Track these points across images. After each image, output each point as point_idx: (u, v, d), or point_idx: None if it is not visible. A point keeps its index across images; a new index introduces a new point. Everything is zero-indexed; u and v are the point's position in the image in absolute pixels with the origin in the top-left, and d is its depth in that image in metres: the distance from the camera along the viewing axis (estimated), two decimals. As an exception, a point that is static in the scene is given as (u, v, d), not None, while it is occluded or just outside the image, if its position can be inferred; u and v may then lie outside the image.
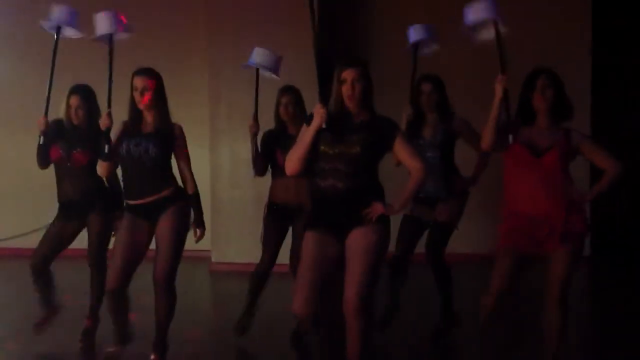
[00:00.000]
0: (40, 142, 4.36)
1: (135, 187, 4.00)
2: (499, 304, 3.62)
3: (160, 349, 4.05)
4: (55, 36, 4.43)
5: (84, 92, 4.40)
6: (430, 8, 6.88)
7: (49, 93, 4.40)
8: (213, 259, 7.00)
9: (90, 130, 4.35)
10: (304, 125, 3.49)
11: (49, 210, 4.59)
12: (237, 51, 6.24)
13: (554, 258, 3.55)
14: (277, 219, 4.59)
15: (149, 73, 3.96)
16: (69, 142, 4.39)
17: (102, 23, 4.12)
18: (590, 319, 5.25)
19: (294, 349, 4.43)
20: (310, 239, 3.45)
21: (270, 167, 4.65)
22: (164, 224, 3.95)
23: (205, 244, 4.44)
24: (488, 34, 3.85)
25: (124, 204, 4.11)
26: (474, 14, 3.79)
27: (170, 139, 4.01)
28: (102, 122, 3.97)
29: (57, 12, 4.43)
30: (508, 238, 3.63)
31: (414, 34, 4.62)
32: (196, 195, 4.11)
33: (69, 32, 4.50)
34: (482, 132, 3.67)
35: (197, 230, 4.07)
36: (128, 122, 4.00)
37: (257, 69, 4.75)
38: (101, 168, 4.05)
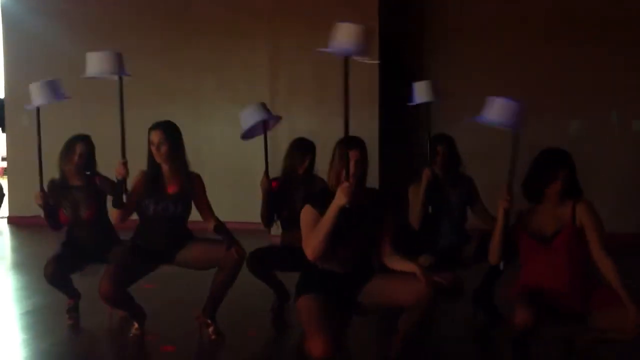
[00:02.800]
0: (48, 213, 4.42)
1: (152, 239, 4.11)
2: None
3: (211, 313, 4.13)
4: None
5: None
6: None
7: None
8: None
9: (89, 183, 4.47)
10: (308, 206, 3.34)
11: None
12: (298, 27, 6.54)
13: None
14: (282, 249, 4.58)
15: (164, 127, 4.04)
16: (72, 203, 4.46)
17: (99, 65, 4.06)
18: None
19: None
20: (310, 301, 3.32)
21: (278, 218, 4.66)
22: (184, 248, 4.13)
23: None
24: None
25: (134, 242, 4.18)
26: (496, 113, 3.49)
27: (192, 195, 4.14)
28: (118, 172, 3.97)
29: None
30: (524, 289, 3.48)
31: (419, 95, 4.63)
32: (220, 224, 4.16)
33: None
34: (490, 247, 3.57)
35: (234, 251, 4.03)
36: (148, 174, 4.06)
37: (265, 130, 4.71)
38: (115, 215, 4.03)
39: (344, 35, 3.34)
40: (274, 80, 7.75)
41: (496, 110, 3.53)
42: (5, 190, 9.50)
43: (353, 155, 3.33)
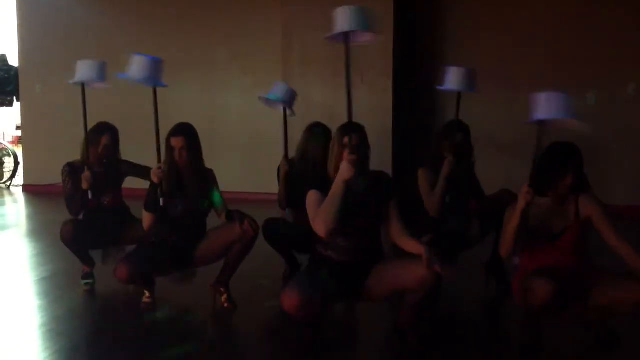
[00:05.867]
0: (88, 196, 4.44)
1: (174, 236, 4.11)
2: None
3: (224, 284, 4.17)
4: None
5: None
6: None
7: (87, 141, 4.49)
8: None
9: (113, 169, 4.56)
10: (312, 191, 3.36)
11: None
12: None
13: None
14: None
15: (185, 133, 4.05)
16: (96, 188, 4.49)
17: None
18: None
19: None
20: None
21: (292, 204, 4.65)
22: (201, 242, 4.14)
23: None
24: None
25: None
26: (455, 80, 3.48)
27: (210, 193, 4.15)
28: (154, 176, 4.01)
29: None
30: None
31: (452, 82, 4.59)
32: (229, 212, 4.16)
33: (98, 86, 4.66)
34: (501, 239, 3.51)
35: (248, 226, 4.01)
36: (170, 176, 4.05)
37: (284, 108, 4.76)
38: (147, 220, 4.07)
39: (343, 19, 3.48)
40: (288, 51, 7.72)
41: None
42: (20, 159, 9.63)
43: (352, 140, 3.31)
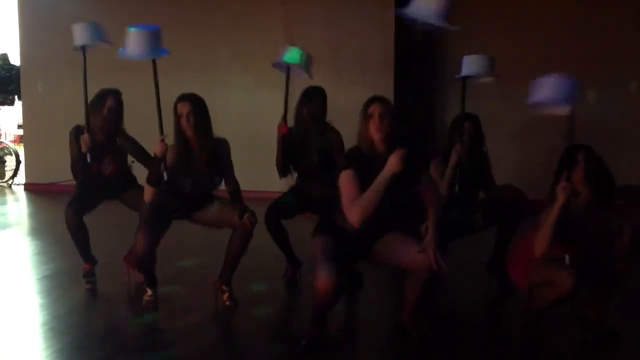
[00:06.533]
0: (87, 160, 4.41)
1: (180, 205, 4.09)
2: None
3: (226, 279, 4.16)
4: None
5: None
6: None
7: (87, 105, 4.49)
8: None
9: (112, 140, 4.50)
10: (345, 171, 3.30)
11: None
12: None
13: None
14: (297, 196, 4.64)
15: (191, 98, 4.00)
16: (97, 157, 4.47)
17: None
18: None
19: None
20: (325, 238, 3.41)
21: (294, 170, 4.69)
22: (203, 207, 4.11)
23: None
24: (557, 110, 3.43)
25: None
26: (546, 90, 3.36)
27: (221, 165, 4.10)
28: (156, 148, 3.93)
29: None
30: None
31: (468, 67, 4.63)
32: (236, 189, 4.15)
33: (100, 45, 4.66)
34: (537, 237, 3.37)
35: (247, 220, 3.98)
36: (178, 148, 3.98)
37: (288, 70, 4.76)
38: (149, 193, 4.00)
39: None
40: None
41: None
42: (22, 158, 9.63)
43: (374, 109, 3.33)
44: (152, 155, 4.03)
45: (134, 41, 4.00)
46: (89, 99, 4.53)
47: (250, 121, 8.19)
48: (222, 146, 4.13)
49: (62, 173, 7.42)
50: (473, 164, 4.56)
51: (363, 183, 3.26)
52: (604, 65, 7.43)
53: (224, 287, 4.18)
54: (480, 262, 4.70)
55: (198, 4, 8.49)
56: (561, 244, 3.36)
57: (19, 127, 11.50)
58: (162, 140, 3.93)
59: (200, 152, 4.01)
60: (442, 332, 3.81)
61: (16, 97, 10.12)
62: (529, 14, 7.71)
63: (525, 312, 3.57)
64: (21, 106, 9.72)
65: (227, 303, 4.15)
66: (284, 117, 4.66)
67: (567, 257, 3.33)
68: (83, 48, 4.60)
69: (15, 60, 9.92)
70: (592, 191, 3.40)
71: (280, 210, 4.59)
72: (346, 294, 4.31)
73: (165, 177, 3.93)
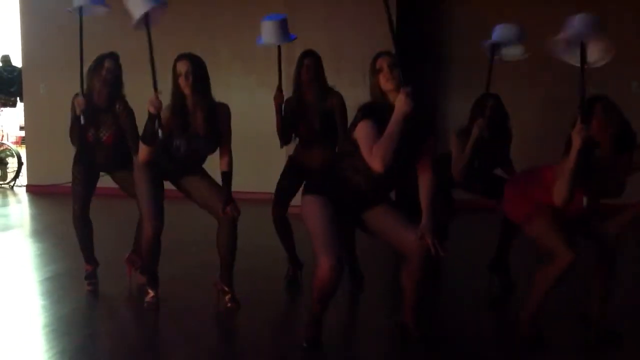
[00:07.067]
0: (80, 122, 4.31)
1: (172, 167, 4.06)
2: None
3: (227, 280, 4.16)
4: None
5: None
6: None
7: (82, 70, 4.43)
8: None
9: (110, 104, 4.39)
10: (363, 121, 3.26)
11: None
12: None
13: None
14: (294, 173, 4.60)
15: (191, 57, 3.94)
16: (95, 124, 4.39)
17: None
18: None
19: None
20: (318, 207, 3.35)
21: (296, 136, 4.68)
22: (193, 175, 4.08)
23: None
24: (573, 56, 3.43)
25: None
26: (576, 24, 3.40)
27: (219, 131, 4.02)
28: (151, 105, 3.80)
29: None
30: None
31: (498, 33, 4.64)
32: (228, 172, 4.08)
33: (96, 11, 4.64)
34: (555, 187, 3.27)
35: (227, 207, 3.97)
36: (174, 107, 3.92)
37: (279, 46, 4.78)
38: (144, 152, 3.92)
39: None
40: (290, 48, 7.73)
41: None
42: (24, 159, 9.66)
43: (382, 62, 3.36)
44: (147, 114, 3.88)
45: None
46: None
47: (251, 122, 8.19)
48: (222, 110, 4.05)
49: (64, 175, 7.47)
50: (495, 141, 4.55)
51: (380, 134, 3.23)
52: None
53: (226, 289, 4.18)
54: (480, 262, 4.71)
55: (199, 5, 8.50)
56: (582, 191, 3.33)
57: (21, 128, 11.51)
58: (157, 97, 3.81)
59: (198, 113, 3.94)
60: (442, 332, 3.82)
61: (18, 98, 10.16)
62: (530, 13, 7.71)
63: (524, 304, 3.56)
64: (23, 108, 9.75)
65: (229, 305, 4.15)
66: (279, 87, 4.65)
67: (585, 199, 3.32)
68: (80, 9, 4.53)
69: (17, 62, 9.95)
70: (611, 141, 3.34)
71: (279, 195, 4.61)
72: (346, 295, 4.33)
73: (160, 136, 3.80)
